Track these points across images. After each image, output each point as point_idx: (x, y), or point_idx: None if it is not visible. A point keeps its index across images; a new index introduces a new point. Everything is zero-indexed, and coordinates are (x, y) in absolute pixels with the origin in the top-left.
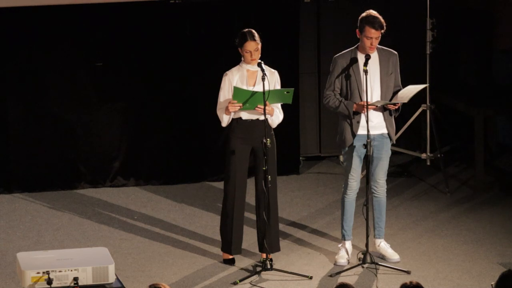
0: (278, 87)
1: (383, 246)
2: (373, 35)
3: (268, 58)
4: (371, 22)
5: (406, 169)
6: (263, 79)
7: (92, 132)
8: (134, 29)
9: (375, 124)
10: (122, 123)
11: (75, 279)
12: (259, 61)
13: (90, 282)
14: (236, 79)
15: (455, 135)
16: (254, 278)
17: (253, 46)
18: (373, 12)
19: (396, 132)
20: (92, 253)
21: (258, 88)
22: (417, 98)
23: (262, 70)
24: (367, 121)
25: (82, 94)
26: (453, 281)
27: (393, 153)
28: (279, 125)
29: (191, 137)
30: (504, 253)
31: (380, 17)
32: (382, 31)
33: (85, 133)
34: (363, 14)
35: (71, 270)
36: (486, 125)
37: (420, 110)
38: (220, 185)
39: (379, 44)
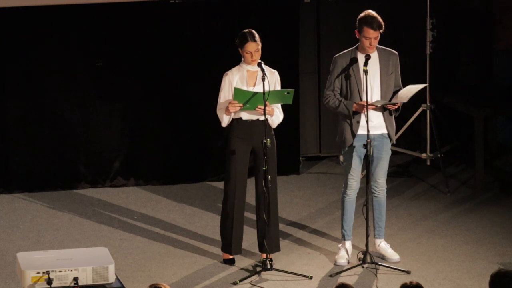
0: (278, 87)
1: (383, 246)
2: (372, 35)
3: (268, 58)
4: (369, 22)
5: (406, 169)
6: (263, 79)
7: (92, 132)
8: (134, 29)
9: (375, 124)
10: (122, 123)
11: (75, 279)
12: (259, 61)
13: (90, 282)
14: (236, 79)
15: (455, 135)
16: (254, 278)
17: (254, 47)
18: (371, 12)
19: (396, 132)
20: (92, 253)
21: (258, 88)
22: (417, 98)
23: (262, 70)
24: (367, 121)
25: (82, 94)
26: (453, 281)
27: (393, 153)
28: (279, 125)
29: (191, 137)
30: (504, 253)
31: (378, 17)
32: (381, 31)
33: (85, 133)
34: (361, 15)
35: (71, 270)
36: (486, 125)
37: (420, 110)
38: (220, 185)
39: (379, 43)
